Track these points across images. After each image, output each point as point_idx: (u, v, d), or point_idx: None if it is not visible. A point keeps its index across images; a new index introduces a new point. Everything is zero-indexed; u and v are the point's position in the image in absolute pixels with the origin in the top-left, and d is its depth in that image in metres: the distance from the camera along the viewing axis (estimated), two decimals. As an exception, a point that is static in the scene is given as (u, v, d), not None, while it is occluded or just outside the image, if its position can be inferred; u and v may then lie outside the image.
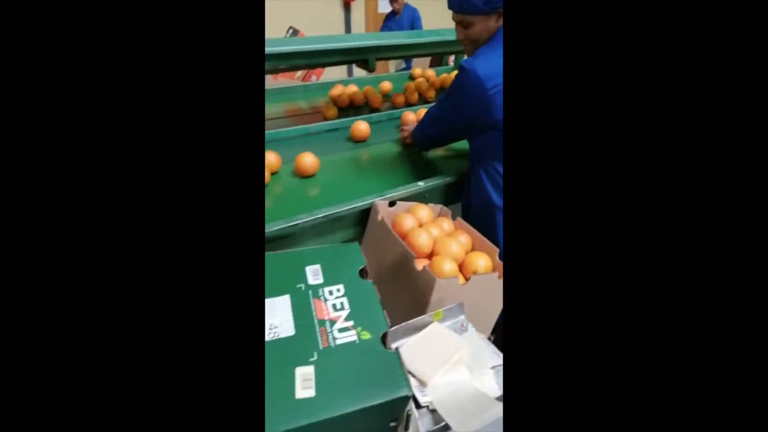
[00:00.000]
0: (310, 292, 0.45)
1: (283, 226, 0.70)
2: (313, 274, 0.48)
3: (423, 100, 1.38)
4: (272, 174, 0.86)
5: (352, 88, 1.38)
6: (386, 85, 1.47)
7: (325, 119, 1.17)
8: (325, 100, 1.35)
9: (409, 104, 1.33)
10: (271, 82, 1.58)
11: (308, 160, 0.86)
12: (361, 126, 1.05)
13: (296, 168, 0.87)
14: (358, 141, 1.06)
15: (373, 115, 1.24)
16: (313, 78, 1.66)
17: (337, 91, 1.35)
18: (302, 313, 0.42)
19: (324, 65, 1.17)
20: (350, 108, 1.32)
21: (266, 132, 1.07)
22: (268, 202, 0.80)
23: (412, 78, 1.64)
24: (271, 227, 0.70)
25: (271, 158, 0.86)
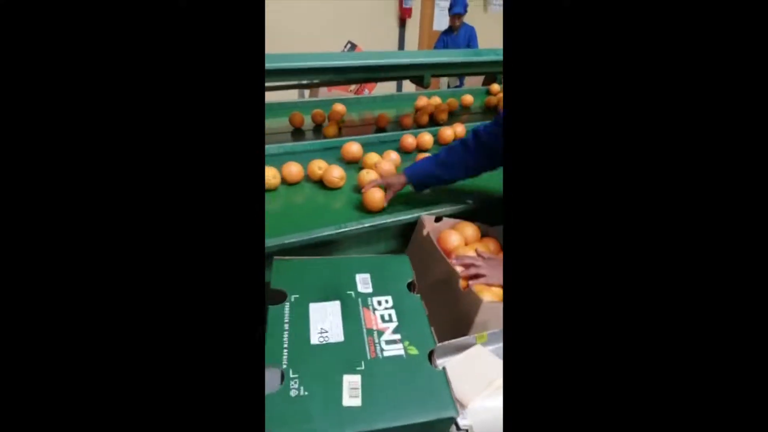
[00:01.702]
0: (360, 300, 0.46)
1: (332, 232, 0.73)
2: (363, 282, 0.48)
3: (434, 122, 1.32)
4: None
5: (436, 100, 1.41)
6: (468, 99, 1.49)
7: (325, 137, 1.14)
8: (408, 110, 1.38)
9: (419, 126, 1.28)
10: (326, 93, 1.65)
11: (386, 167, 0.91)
12: (353, 147, 1.00)
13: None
14: (349, 162, 1.00)
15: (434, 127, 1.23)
16: (366, 91, 1.71)
17: (422, 102, 1.38)
18: (351, 320, 0.43)
19: (380, 80, 1.20)
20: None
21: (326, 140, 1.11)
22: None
23: (489, 93, 1.65)
24: (320, 232, 0.72)
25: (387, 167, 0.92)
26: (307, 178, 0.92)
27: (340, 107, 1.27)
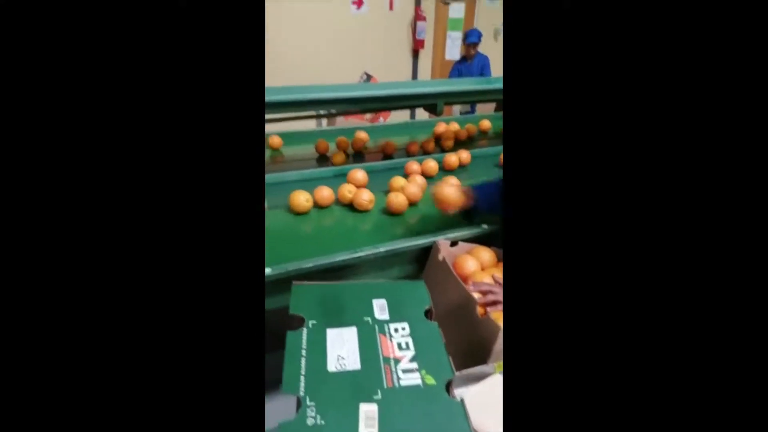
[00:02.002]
0: (377, 326, 0.46)
1: (348, 257, 0.73)
2: (380, 308, 0.49)
3: (440, 148, 1.32)
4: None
5: (455, 126, 1.44)
6: (486, 124, 1.52)
7: (333, 165, 1.16)
8: (421, 137, 1.40)
9: (426, 152, 1.28)
10: (343, 122, 1.71)
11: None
12: (358, 174, 1.01)
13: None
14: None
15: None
16: (381, 119, 1.76)
17: (441, 128, 1.42)
18: (368, 347, 0.43)
19: (394, 109, 1.24)
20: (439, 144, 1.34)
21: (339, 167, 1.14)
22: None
23: None
24: (336, 257, 0.73)
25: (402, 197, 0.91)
26: (338, 201, 0.95)
27: (362, 135, 1.31)
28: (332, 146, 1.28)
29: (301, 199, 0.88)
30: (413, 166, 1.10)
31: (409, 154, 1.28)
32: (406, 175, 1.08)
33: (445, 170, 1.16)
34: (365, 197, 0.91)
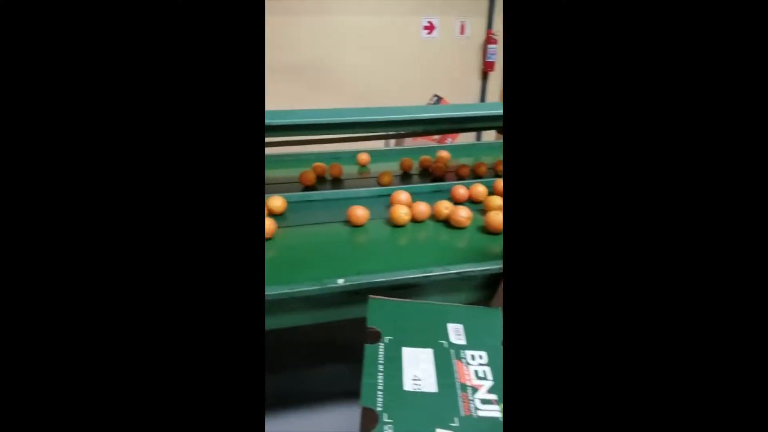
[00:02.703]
0: (452, 351, 0.45)
1: (417, 275, 0.73)
2: (455, 333, 0.48)
3: (494, 173, 1.24)
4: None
5: None
6: None
7: (379, 185, 1.15)
8: (494, 159, 1.37)
9: (477, 176, 1.22)
10: (411, 142, 1.75)
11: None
12: (401, 196, 1.00)
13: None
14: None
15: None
16: (449, 140, 1.76)
17: None
18: (444, 371, 0.42)
19: (467, 130, 1.24)
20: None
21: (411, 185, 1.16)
22: (463, 242, 0.88)
23: None
24: (405, 275, 0.73)
25: (464, 213, 0.95)
26: (433, 217, 0.97)
27: (445, 154, 1.34)
28: (416, 164, 1.31)
29: (401, 212, 0.94)
30: (460, 190, 1.06)
31: (459, 177, 1.24)
32: (452, 199, 1.05)
33: (495, 195, 1.09)
34: (463, 214, 0.92)
